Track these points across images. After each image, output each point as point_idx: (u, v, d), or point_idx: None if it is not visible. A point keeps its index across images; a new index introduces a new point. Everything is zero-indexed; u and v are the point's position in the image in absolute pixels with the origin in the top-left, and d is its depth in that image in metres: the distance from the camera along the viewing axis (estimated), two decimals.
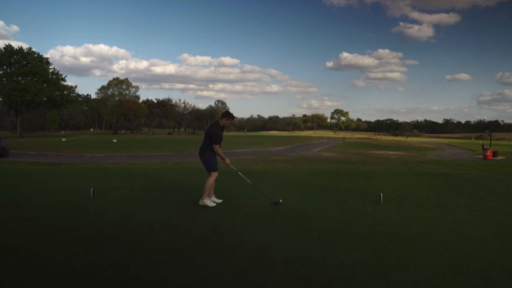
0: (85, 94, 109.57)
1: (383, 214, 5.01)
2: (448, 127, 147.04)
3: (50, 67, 52.24)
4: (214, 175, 5.36)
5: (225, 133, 5.63)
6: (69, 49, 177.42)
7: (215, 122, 5.46)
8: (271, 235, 4.00)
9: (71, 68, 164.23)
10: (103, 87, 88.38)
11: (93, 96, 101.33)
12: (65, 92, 52.99)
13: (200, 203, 5.25)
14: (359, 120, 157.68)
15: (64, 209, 5.09)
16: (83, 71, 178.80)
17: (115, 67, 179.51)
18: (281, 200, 5.59)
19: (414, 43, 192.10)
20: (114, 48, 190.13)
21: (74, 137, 50.61)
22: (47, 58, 52.45)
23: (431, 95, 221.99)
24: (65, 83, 53.02)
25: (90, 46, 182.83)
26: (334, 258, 3.32)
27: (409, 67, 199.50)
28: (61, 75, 52.82)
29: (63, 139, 38.09)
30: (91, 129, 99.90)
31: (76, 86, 56.65)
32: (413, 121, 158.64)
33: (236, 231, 4.14)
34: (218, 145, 5.31)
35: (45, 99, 50.85)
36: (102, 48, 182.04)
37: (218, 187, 5.84)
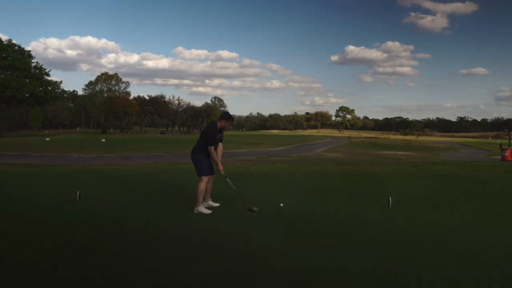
0: (71, 90, 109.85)
1: (392, 219, 5.03)
2: (462, 125, 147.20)
3: (32, 60, 52.09)
4: (205, 179, 5.29)
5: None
6: (53, 41, 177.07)
7: (212, 122, 5.43)
8: (272, 241, 4.01)
9: (56, 62, 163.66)
10: (90, 83, 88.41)
11: (80, 92, 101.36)
12: (49, 88, 52.88)
13: (195, 211, 5.22)
14: (366, 118, 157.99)
15: (48, 214, 5.09)
16: (68, 65, 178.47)
17: (103, 61, 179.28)
18: (282, 204, 5.60)
19: (426, 34, 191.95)
20: (103, 41, 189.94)
21: (59, 136, 50.56)
22: (29, 51, 52.27)
23: (445, 91, 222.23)
24: (49, 78, 52.88)
25: (77, 38, 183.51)
26: (338, 265, 3.34)
27: (421, 61, 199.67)
28: (45, 69, 52.66)
29: (47, 139, 38.05)
30: (78, 128, 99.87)
31: (61, 82, 56.30)
32: (425, 119, 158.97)
33: (234, 236, 4.16)
34: (213, 148, 5.23)
35: (27, 95, 50.70)
36: (89, 40, 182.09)
37: (215, 190, 5.85)
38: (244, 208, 5.46)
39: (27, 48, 53.00)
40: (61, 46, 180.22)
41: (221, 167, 5.32)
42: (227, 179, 5.62)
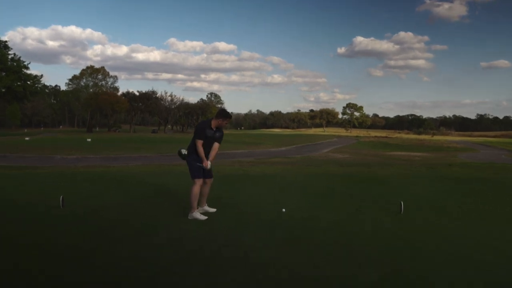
0: (53, 85, 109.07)
1: (405, 226, 5.03)
2: (482, 123, 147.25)
3: (9, 52, 51.82)
4: (198, 182, 5.29)
5: None
6: (32, 31, 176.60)
7: (206, 120, 5.45)
8: (273, 250, 4.01)
9: (36, 54, 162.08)
10: (74, 77, 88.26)
11: (63, 87, 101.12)
12: (29, 83, 52.67)
13: (190, 217, 5.22)
14: (375, 116, 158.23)
15: (27, 221, 5.09)
16: (50, 57, 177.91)
17: (89, 53, 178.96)
18: (284, 210, 5.61)
19: (443, 24, 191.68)
20: (88, 31, 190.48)
21: (40, 135, 50.53)
22: (6, 41, 51.86)
23: (463, 86, 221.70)
24: (28, 72, 52.62)
25: (59, 28, 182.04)
26: (346, 277, 3.34)
27: (437, 53, 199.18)
28: (23, 62, 52.36)
29: (26, 138, 38.02)
30: (61, 126, 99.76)
31: (42, 76, 56.04)
32: (440, 117, 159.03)
33: (231, 244, 4.16)
34: (201, 142, 5.19)
35: (3, 90, 50.53)
36: (73, 30, 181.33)
37: (211, 193, 5.85)
38: (243, 214, 5.46)
39: (3, 38, 53.00)
40: (42, 37, 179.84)
41: (206, 162, 5.21)
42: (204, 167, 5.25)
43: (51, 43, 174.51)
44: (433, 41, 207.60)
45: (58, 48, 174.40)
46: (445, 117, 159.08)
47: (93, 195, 6.93)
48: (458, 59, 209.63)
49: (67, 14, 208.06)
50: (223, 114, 5.40)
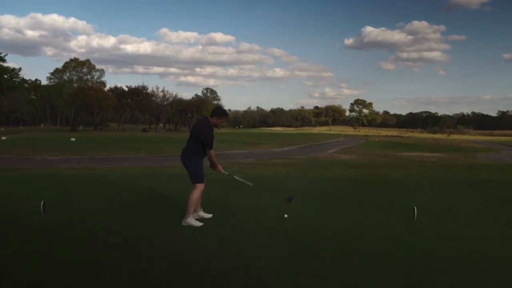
0: (33, 79, 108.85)
1: (418, 233, 5.04)
2: (504, 121, 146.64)
3: None
4: (200, 187, 5.34)
5: (217, 130, 5.64)
6: (9, 20, 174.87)
7: (204, 119, 5.46)
8: (275, 259, 4.02)
9: (13, 45, 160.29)
10: (57, 70, 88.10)
11: (44, 81, 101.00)
12: (5, 76, 52.49)
13: (183, 223, 5.24)
14: (386, 113, 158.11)
15: (4, 228, 5.09)
16: (29, 48, 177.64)
17: (72, 44, 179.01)
18: (286, 215, 5.61)
19: (461, 12, 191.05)
20: (72, 20, 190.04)
21: (19, 134, 50.53)
22: None
23: (482, 80, 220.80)
24: (4, 65, 52.39)
25: (39, 16, 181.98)
26: None
27: (454, 44, 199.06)
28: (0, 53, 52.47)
29: (3, 138, 38.00)
30: (42, 125, 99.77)
31: (20, 69, 55.77)
32: (457, 114, 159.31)
33: (229, 254, 4.16)
34: (212, 150, 5.33)
35: None
36: (55, 19, 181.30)
37: (207, 198, 5.85)
38: (242, 221, 5.47)
39: None
40: (20, 26, 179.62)
41: (220, 167, 5.49)
42: (235, 177, 5.71)
43: (30, 33, 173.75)
44: (450, 31, 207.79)
45: (38, 39, 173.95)
46: (463, 114, 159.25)
47: (78, 200, 6.93)
48: (477, 51, 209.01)
49: (48, 1, 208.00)
50: (219, 111, 5.41)
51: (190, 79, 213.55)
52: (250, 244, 4.52)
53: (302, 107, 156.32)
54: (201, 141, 5.24)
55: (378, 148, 39.61)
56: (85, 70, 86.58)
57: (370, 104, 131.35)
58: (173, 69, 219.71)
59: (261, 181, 9.62)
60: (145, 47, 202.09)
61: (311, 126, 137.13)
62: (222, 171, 5.56)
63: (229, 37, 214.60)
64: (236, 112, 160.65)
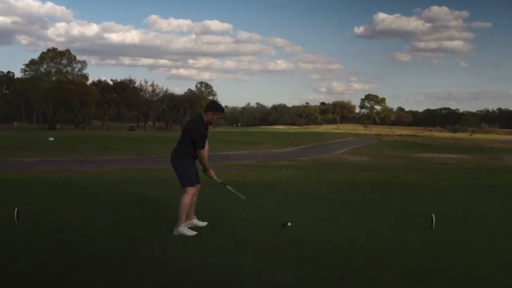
0: (5, 71, 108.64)
1: (437, 244, 5.04)
2: None
3: None
4: (191, 191, 5.35)
5: (211, 129, 5.65)
6: None
7: (197, 116, 5.47)
8: (276, 272, 4.02)
9: None
10: (33, 62, 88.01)
11: (18, 74, 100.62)
12: None
13: (175, 232, 5.24)
14: (401, 109, 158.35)
15: None
16: (0, 37, 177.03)
17: (50, 32, 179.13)
18: (289, 223, 5.63)
19: None
20: (49, 5, 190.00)
21: None
22: None
23: (510, 72, 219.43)
24: None
25: (11, 0, 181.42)
26: None
27: (478, 32, 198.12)
28: None
29: None
30: (15, 123, 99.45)
31: None
32: (481, 111, 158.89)
33: (226, 266, 4.17)
34: (204, 151, 5.32)
35: None
36: (29, 3, 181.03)
37: (201, 204, 5.86)
38: (240, 230, 5.47)
39: None
40: None
41: (212, 173, 5.50)
42: (228, 186, 5.73)
43: (1, 19, 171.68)
44: (473, 17, 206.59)
45: (10, 26, 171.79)
46: (487, 111, 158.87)
47: (57, 206, 6.92)
48: (504, 40, 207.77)
49: None
50: (213, 106, 5.41)
51: (183, 72, 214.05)
52: (249, 255, 4.52)
53: (307, 103, 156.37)
54: (193, 139, 5.25)
55: (391, 149, 39.62)
56: (64, 61, 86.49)
57: (383, 99, 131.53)
58: (163, 61, 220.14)
59: (262, 185, 9.63)
60: (132, 36, 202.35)
61: (317, 124, 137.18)
62: (215, 177, 5.57)
63: (225, 25, 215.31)
64: (234, 109, 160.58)
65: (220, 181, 5.77)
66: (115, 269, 4.07)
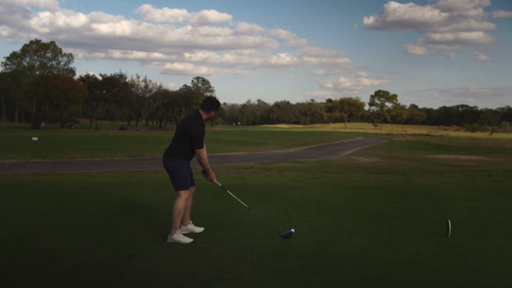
0: None
1: (453, 253, 5.04)
2: None
3: None
4: (184, 194, 5.36)
5: (209, 128, 5.67)
6: None
7: (194, 113, 5.47)
8: (278, 283, 4.02)
9: None
10: (14, 55, 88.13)
11: None
12: None
13: (169, 240, 5.25)
14: (414, 107, 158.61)
15: None
16: None
17: (33, 22, 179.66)
18: (293, 230, 5.63)
19: None
20: None
21: None
22: None
23: None
24: None
25: None
26: None
27: (500, 23, 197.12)
28: None
29: None
30: None
31: None
32: (502, 108, 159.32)
33: (225, 276, 4.16)
34: (202, 151, 5.34)
35: None
36: None
37: (198, 209, 5.86)
38: (240, 237, 5.47)
39: None
40: None
41: (213, 175, 5.55)
42: (228, 191, 5.76)
43: None
44: (495, 5, 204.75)
45: None
46: (509, 108, 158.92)
47: (40, 213, 6.93)
48: None
49: None
50: (211, 103, 5.42)
51: (178, 66, 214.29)
52: (249, 265, 4.52)
53: (312, 100, 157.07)
54: (190, 138, 5.25)
55: (403, 150, 39.65)
56: (49, 54, 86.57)
57: (394, 96, 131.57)
58: (156, 54, 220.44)
59: (264, 189, 9.64)
60: (122, 27, 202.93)
61: (323, 123, 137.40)
62: (215, 181, 5.61)
63: (224, 15, 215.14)
64: (233, 106, 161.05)
65: (220, 185, 5.78)
66: (102, 280, 4.07)
